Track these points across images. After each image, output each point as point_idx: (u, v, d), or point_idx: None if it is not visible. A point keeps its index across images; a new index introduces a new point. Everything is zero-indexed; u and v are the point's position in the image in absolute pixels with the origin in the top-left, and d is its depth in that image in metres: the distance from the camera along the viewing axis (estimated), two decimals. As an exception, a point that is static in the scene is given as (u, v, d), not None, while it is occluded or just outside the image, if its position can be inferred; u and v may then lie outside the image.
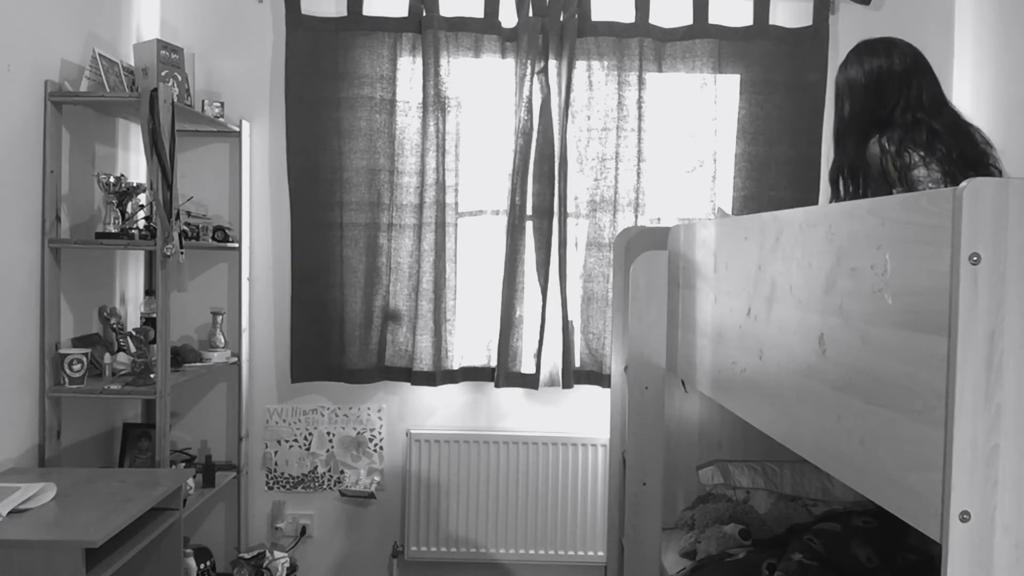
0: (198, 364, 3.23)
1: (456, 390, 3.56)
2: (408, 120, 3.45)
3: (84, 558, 2.02)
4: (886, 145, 2.13)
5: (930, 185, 2.06)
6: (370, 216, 3.45)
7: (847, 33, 3.49)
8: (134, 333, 2.94)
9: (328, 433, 3.56)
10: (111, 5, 3.14)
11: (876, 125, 2.20)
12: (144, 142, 2.78)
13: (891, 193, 2.15)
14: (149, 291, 3.31)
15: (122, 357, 3.02)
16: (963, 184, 1.01)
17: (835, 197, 2.31)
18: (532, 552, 3.55)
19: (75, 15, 2.90)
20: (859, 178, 2.24)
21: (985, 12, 3.32)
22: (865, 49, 2.29)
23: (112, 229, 2.87)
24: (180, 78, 3.05)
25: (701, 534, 2.78)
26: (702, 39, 3.45)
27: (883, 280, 1.19)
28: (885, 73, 2.22)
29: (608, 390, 3.16)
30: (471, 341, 3.55)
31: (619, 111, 3.44)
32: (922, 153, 2.09)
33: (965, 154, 2.11)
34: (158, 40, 2.99)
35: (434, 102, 3.42)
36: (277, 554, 3.38)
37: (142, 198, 3.05)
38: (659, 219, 3.50)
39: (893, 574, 2.38)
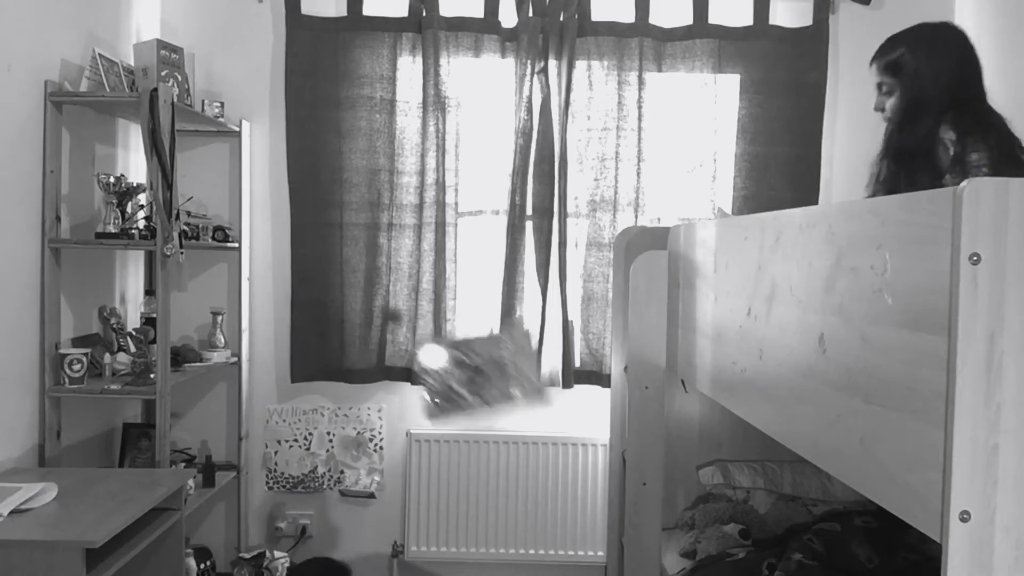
0: (198, 364, 3.23)
1: (456, 390, 3.56)
2: (408, 120, 3.45)
3: (84, 558, 2.03)
4: (947, 131, 2.06)
5: (984, 171, 2.01)
6: (370, 216, 3.45)
7: (847, 33, 3.49)
8: (134, 333, 2.94)
9: (328, 433, 3.56)
10: (111, 5, 3.14)
11: (939, 112, 2.13)
12: (144, 142, 2.78)
13: (936, 182, 2.08)
14: (149, 291, 3.31)
15: (122, 357, 3.02)
16: (963, 184, 1.01)
17: (874, 180, 2.24)
18: (532, 552, 3.55)
19: (75, 15, 2.90)
20: (905, 161, 2.16)
21: (984, 13, 3.32)
22: (933, 42, 2.26)
23: (112, 229, 2.87)
24: (180, 78, 3.05)
25: (701, 534, 2.78)
26: (702, 39, 3.45)
27: (883, 280, 1.19)
28: (956, 72, 2.18)
29: (608, 390, 3.16)
30: (471, 341, 3.55)
31: (619, 111, 3.44)
32: (975, 140, 2.04)
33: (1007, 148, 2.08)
34: (158, 40, 2.99)
35: (434, 102, 3.42)
36: (277, 554, 3.38)
37: (142, 198, 3.06)
38: (659, 219, 3.50)
39: (893, 574, 2.38)
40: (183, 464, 3.28)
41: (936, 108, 2.14)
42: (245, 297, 3.51)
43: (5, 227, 2.56)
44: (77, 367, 2.76)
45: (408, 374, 3.49)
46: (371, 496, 3.56)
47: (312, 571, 3.41)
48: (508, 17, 3.44)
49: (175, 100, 2.86)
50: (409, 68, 3.45)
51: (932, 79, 2.19)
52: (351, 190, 3.44)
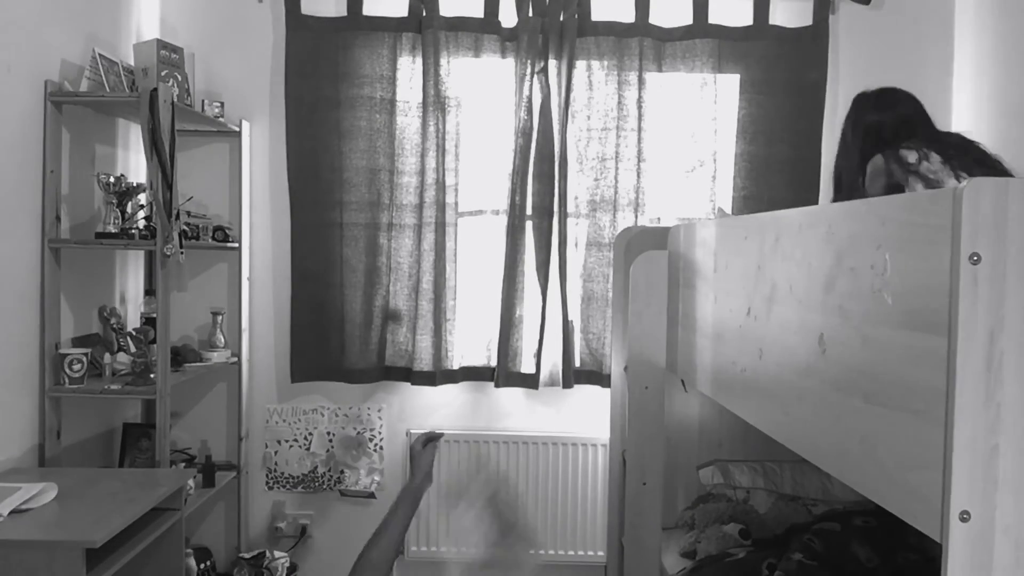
0: (198, 364, 3.23)
1: (456, 390, 3.56)
2: (408, 120, 3.45)
3: (85, 558, 2.02)
4: (902, 156, 2.20)
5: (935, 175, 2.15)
6: (370, 216, 3.45)
7: (847, 33, 3.49)
8: (134, 333, 2.94)
9: (328, 433, 3.56)
10: (111, 5, 3.14)
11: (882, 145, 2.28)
12: (144, 142, 2.78)
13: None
14: (149, 291, 3.31)
15: (122, 357, 3.02)
16: (963, 184, 1.01)
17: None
18: (532, 552, 3.54)
19: (75, 15, 2.90)
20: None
21: (985, 12, 3.32)
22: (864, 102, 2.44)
23: (112, 229, 2.87)
24: (180, 78, 3.05)
25: (701, 534, 2.78)
26: (702, 39, 3.45)
27: (883, 280, 1.19)
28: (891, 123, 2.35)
29: (608, 390, 3.16)
30: (471, 341, 3.55)
31: (619, 111, 3.44)
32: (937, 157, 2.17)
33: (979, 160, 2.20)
34: (158, 40, 2.99)
35: (434, 102, 3.42)
36: (277, 554, 3.38)
37: (142, 198, 3.06)
38: (659, 219, 3.50)
39: (893, 574, 2.38)
40: (183, 464, 3.28)
41: (862, 146, 2.34)
42: (245, 297, 3.51)
43: (5, 227, 2.56)
44: (77, 367, 2.76)
45: (408, 374, 3.49)
46: (371, 496, 3.56)
47: None
48: (508, 17, 3.44)
49: (175, 100, 2.86)
50: (409, 68, 3.45)
51: (852, 137, 2.42)
52: (351, 190, 3.44)
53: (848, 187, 2.39)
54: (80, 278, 2.96)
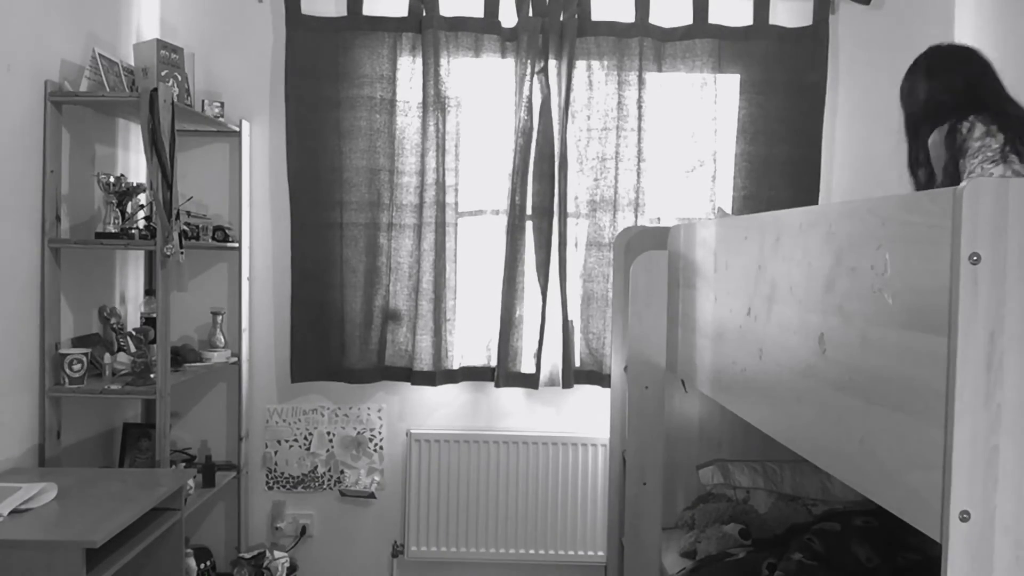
0: (198, 364, 3.23)
1: (456, 390, 3.56)
2: (408, 120, 3.45)
3: (85, 558, 2.02)
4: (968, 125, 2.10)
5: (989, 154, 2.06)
6: (370, 216, 3.46)
7: (847, 33, 3.49)
8: (134, 333, 2.94)
9: (328, 433, 3.56)
10: (111, 5, 3.14)
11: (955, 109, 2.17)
12: (144, 142, 2.78)
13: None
14: (149, 291, 3.31)
15: (122, 357, 3.01)
16: (963, 184, 1.01)
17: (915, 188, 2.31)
18: (532, 552, 3.55)
19: (75, 15, 2.90)
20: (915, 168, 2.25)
21: (985, 12, 3.32)
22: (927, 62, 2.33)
23: (112, 229, 2.87)
24: (180, 78, 3.05)
25: (701, 534, 2.78)
26: (702, 39, 3.44)
27: (883, 280, 1.19)
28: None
29: (608, 390, 3.16)
30: (471, 341, 3.55)
31: (619, 111, 3.44)
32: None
33: None
34: (158, 40, 2.99)
35: (434, 102, 3.42)
36: (277, 554, 3.38)
37: (142, 198, 3.06)
38: (659, 219, 3.50)
39: (893, 574, 2.38)
40: (183, 464, 3.28)
41: (932, 116, 2.22)
42: (245, 297, 3.51)
43: (5, 227, 2.56)
44: (77, 367, 2.76)
45: (408, 374, 3.49)
46: (371, 496, 3.56)
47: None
48: (508, 17, 3.44)
49: (175, 100, 2.86)
50: (409, 68, 3.45)
51: (921, 94, 2.30)
52: (351, 190, 3.44)
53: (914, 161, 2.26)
54: (80, 278, 2.96)
